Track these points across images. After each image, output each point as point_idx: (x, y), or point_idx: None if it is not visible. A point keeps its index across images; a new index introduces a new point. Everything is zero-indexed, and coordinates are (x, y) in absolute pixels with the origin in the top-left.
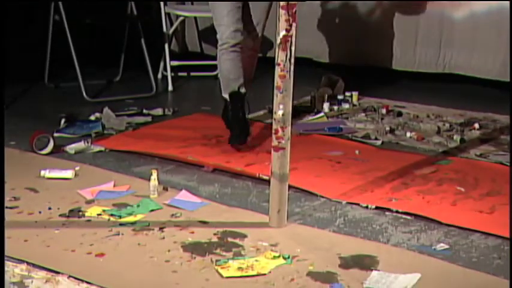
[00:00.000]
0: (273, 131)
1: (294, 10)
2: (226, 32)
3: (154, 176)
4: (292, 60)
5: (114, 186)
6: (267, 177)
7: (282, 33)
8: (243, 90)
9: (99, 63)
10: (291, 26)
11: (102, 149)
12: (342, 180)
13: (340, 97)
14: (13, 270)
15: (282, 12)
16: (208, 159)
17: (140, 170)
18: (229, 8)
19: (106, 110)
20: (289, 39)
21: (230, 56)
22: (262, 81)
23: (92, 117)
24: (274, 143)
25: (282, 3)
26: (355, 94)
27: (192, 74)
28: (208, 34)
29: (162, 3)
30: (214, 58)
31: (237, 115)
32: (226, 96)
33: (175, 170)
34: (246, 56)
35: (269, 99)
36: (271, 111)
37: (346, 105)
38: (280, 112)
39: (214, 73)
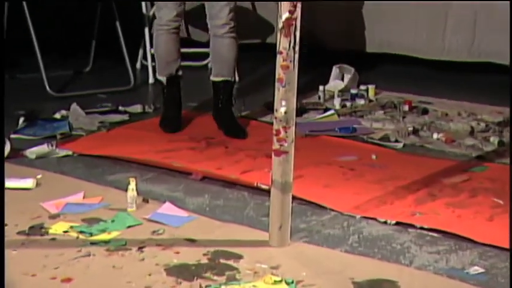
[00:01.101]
0: (274, 132)
1: None
2: (169, 15)
3: (132, 185)
4: (297, 48)
5: (84, 197)
6: (266, 187)
7: (285, 15)
8: (180, 73)
9: (65, 51)
10: (295, 6)
11: (70, 153)
12: (356, 190)
13: (353, 91)
14: None
15: None
16: (197, 165)
17: (115, 178)
18: None
19: (74, 106)
20: (293, 22)
21: (170, 37)
22: (261, 73)
23: (57, 115)
24: (276, 146)
25: None
26: (371, 87)
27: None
28: (197, 16)
29: None
30: (203, 45)
31: (172, 99)
32: (161, 78)
33: (157, 179)
34: (221, 44)
35: (269, 94)
36: (270, 108)
37: (361, 101)
38: (282, 109)
39: (205, 62)
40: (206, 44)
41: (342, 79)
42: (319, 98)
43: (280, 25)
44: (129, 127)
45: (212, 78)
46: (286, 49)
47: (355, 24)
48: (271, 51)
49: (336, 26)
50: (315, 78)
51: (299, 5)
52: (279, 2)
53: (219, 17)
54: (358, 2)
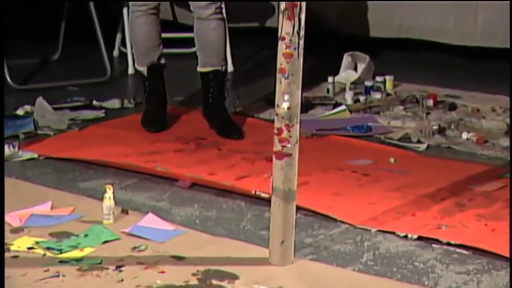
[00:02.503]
0: (275, 131)
1: None
2: None
3: (108, 193)
4: (302, 33)
5: (52, 208)
6: (266, 195)
7: None
8: (163, 61)
9: (29, 35)
10: None
11: (35, 155)
12: (371, 199)
13: (368, 83)
14: None
15: None
16: (185, 170)
17: (89, 185)
18: None
19: (40, 101)
20: (298, 3)
21: (149, 19)
22: (259, 61)
23: (20, 112)
24: (277, 147)
25: None
26: (389, 79)
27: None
28: None
29: None
30: (190, 29)
31: (155, 92)
32: (142, 68)
33: (139, 186)
34: (207, 27)
35: (269, 87)
36: (270, 103)
37: (377, 95)
38: (285, 105)
39: (193, 49)
40: (192, 28)
41: (355, 69)
42: (328, 91)
43: (283, 6)
44: (105, 125)
45: (199, 68)
46: (290, 34)
47: (369, 6)
48: (271, 36)
49: (347, 8)
50: (323, 68)
51: None
52: None
53: None
54: None
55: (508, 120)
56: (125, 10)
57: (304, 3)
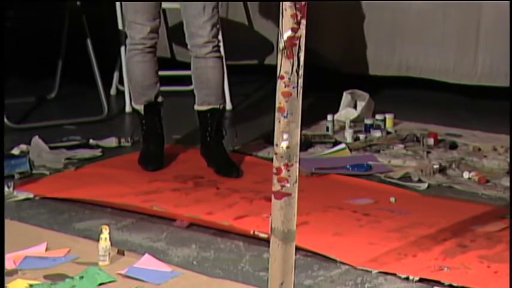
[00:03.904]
0: (274, 170)
1: (303, 1)
2: (143, 32)
3: (105, 234)
4: (301, 72)
5: (47, 249)
6: (265, 236)
7: (287, 34)
8: (160, 99)
9: (26, 74)
10: (299, 24)
11: (30, 196)
12: (371, 239)
13: (368, 121)
14: None
15: (287, 4)
16: (182, 209)
17: (85, 226)
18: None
19: (36, 140)
20: (297, 42)
21: (146, 57)
22: (258, 99)
23: (16, 151)
24: (276, 187)
25: None
26: (389, 117)
27: (160, 88)
28: (182, 32)
29: None
30: (188, 66)
31: (152, 131)
32: (138, 107)
33: (135, 226)
34: (205, 65)
35: (268, 125)
36: (269, 142)
37: (377, 133)
38: (283, 144)
39: (190, 87)
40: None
41: (355, 107)
42: (328, 129)
43: (282, 45)
44: (102, 165)
45: (197, 107)
46: (289, 73)
47: (368, 44)
48: (270, 73)
49: (346, 46)
50: (322, 106)
51: (303, 21)
52: (280, 19)
53: (199, 35)
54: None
55: (509, 160)
56: (122, 48)
57: (303, 42)
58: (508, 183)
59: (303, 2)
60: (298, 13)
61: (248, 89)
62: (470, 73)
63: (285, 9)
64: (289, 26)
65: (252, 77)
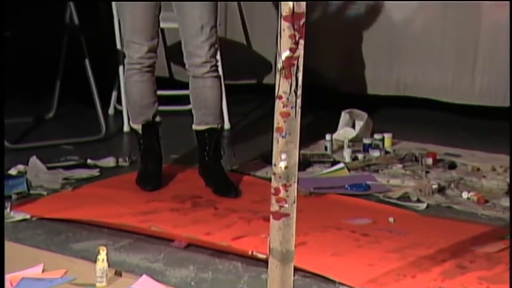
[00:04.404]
0: (272, 191)
1: (301, 22)
2: (141, 51)
3: (102, 255)
4: (299, 92)
5: (44, 271)
6: (263, 256)
7: (285, 54)
8: (158, 119)
9: (24, 94)
10: (297, 44)
11: (27, 216)
12: (370, 260)
13: (366, 141)
14: None
15: (285, 25)
16: (180, 230)
17: (82, 246)
18: (143, 18)
19: (33, 160)
20: (295, 62)
21: (144, 77)
22: (256, 118)
23: (13, 171)
24: (274, 207)
25: (284, 11)
26: (388, 137)
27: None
28: (180, 52)
29: (114, 8)
30: (187, 86)
31: (150, 150)
32: (136, 126)
33: (133, 247)
34: (203, 85)
35: (266, 144)
36: (268, 161)
37: (375, 153)
38: (282, 164)
39: (189, 107)
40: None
41: (353, 126)
42: (326, 148)
43: (280, 65)
44: (99, 185)
45: (195, 126)
46: (287, 93)
47: (367, 64)
48: (268, 93)
49: (345, 65)
50: (320, 125)
51: (301, 41)
52: (278, 39)
53: (197, 54)
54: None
55: (508, 180)
56: (120, 68)
57: (301, 62)
58: (507, 204)
59: (302, 22)
60: (296, 33)
61: (246, 108)
62: (469, 93)
63: (283, 30)
64: (287, 46)
65: (250, 96)
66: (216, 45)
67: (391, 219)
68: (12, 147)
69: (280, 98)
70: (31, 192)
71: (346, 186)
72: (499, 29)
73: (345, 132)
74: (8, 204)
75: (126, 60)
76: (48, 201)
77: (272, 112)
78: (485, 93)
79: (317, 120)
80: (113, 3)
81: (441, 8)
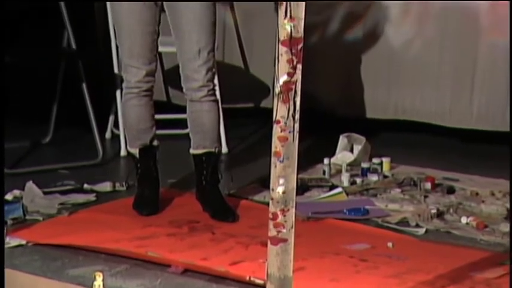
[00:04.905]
0: (270, 216)
1: (299, 47)
2: (138, 75)
3: (98, 281)
4: (297, 116)
5: None
6: (261, 282)
7: (283, 78)
8: (155, 143)
9: (20, 118)
10: (295, 68)
11: (23, 242)
12: (369, 286)
13: (365, 165)
14: None
15: (283, 49)
16: (177, 255)
17: (78, 272)
18: (141, 42)
19: (29, 185)
20: (293, 87)
21: (141, 101)
22: (254, 142)
23: (9, 197)
24: (272, 232)
25: (281, 36)
26: (386, 161)
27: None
28: (177, 76)
29: (112, 32)
30: (184, 109)
31: (147, 175)
32: (133, 151)
33: (129, 272)
34: (200, 109)
35: (264, 168)
36: (265, 185)
37: (373, 177)
38: (279, 189)
39: (186, 131)
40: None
41: (351, 150)
42: (324, 172)
43: (278, 90)
44: (96, 210)
45: (192, 151)
46: (285, 118)
47: (365, 88)
48: (266, 116)
49: (343, 89)
50: (319, 149)
51: (299, 66)
52: (276, 63)
53: (194, 78)
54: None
55: (508, 205)
56: (118, 92)
57: (299, 87)
58: (506, 229)
59: (299, 46)
60: (294, 58)
61: (244, 132)
62: (466, 117)
63: (281, 54)
64: (285, 71)
65: (248, 120)
66: (214, 69)
67: (389, 245)
68: (9, 172)
69: (278, 122)
70: (27, 217)
71: (345, 210)
72: (496, 52)
73: (343, 156)
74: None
75: (124, 84)
76: (44, 226)
77: (270, 135)
78: (483, 118)
79: (315, 144)
80: (111, 27)
81: (439, 32)
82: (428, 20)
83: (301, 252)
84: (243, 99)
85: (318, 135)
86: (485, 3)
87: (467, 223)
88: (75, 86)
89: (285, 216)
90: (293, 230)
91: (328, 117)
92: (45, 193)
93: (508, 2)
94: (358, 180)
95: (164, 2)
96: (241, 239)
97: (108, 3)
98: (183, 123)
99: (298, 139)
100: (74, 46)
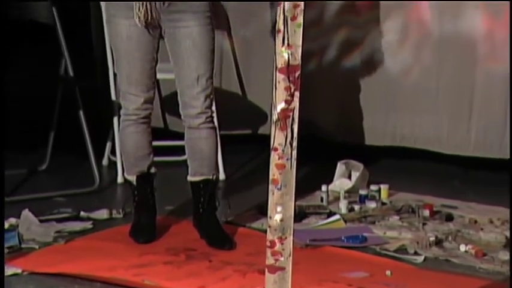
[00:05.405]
0: (268, 244)
1: (296, 74)
2: (137, 103)
3: None
4: (295, 144)
5: None
6: None
7: (280, 106)
8: (153, 170)
9: (17, 145)
10: (292, 96)
11: (19, 271)
12: None
13: (363, 192)
14: None
15: (280, 77)
16: (174, 283)
17: None
18: (140, 70)
19: (25, 213)
20: (290, 114)
21: (139, 128)
22: (251, 169)
23: (5, 225)
24: (270, 260)
25: (279, 63)
26: (384, 188)
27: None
28: (175, 103)
29: (109, 59)
30: (182, 136)
31: (144, 202)
32: (130, 178)
33: None
34: (198, 136)
35: (261, 195)
36: (263, 212)
37: (371, 204)
38: (277, 217)
39: (184, 157)
40: (183, 136)
41: (349, 177)
42: (322, 199)
43: (275, 117)
44: (92, 237)
45: (190, 178)
46: (282, 145)
47: (363, 115)
48: (264, 143)
49: (341, 116)
50: (316, 176)
51: (297, 93)
52: (274, 91)
53: (192, 105)
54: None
55: (506, 233)
56: (115, 120)
57: (297, 114)
58: (505, 257)
59: (297, 74)
60: (291, 85)
61: (241, 158)
62: (464, 143)
63: (279, 82)
64: (282, 98)
65: (245, 146)
66: (212, 96)
67: (388, 273)
68: (5, 200)
69: (276, 150)
70: (23, 246)
71: (343, 238)
72: (494, 80)
73: (341, 183)
74: None
75: (122, 111)
76: (40, 255)
77: (267, 162)
78: (481, 144)
79: (313, 171)
80: (108, 54)
81: (436, 59)
82: (426, 47)
83: (299, 280)
84: (241, 125)
85: (316, 162)
86: (482, 31)
87: (466, 251)
88: (72, 113)
89: (282, 244)
90: (291, 258)
91: (327, 143)
92: (41, 221)
93: (504, 29)
94: (356, 207)
95: (163, 29)
96: (238, 266)
97: (106, 29)
98: (180, 150)
99: (296, 166)
100: (71, 73)
